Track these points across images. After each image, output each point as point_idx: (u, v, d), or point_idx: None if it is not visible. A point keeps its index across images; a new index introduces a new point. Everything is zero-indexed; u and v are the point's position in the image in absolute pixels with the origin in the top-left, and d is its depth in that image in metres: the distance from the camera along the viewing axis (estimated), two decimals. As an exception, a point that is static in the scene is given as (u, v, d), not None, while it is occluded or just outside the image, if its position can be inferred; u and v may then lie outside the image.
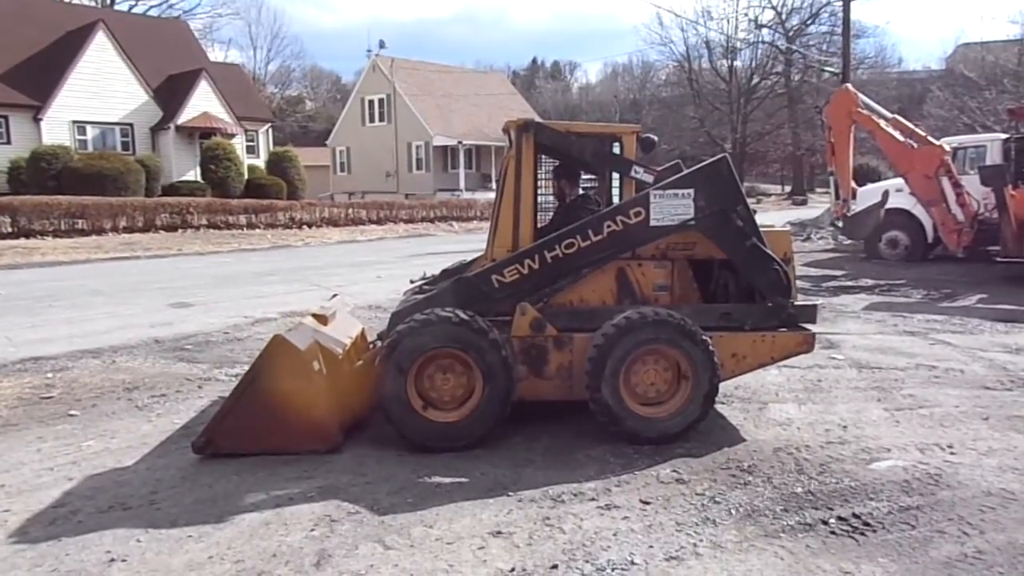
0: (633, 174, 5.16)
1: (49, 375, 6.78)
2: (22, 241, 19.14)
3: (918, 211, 14.05)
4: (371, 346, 5.74)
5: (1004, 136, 14.62)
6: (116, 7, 43.94)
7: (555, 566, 3.32)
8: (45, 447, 4.94)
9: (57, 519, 3.84)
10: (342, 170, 47.05)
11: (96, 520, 3.82)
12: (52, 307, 10.57)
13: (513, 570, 3.30)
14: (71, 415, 5.63)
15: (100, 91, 28.36)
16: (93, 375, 6.78)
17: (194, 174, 30.36)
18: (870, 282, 12.63)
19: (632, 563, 3.34)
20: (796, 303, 5.16)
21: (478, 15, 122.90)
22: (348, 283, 12.75)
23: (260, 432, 4.59)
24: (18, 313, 10.10)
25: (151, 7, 47.22)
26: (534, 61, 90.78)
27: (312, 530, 3.68)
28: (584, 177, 6.24)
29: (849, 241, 17.07)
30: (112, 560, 3.41)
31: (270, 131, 37.31)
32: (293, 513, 3.86)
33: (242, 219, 24.38)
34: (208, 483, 4.27)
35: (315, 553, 3.45)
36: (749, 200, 5.17)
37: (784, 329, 5.14)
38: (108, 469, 4.53)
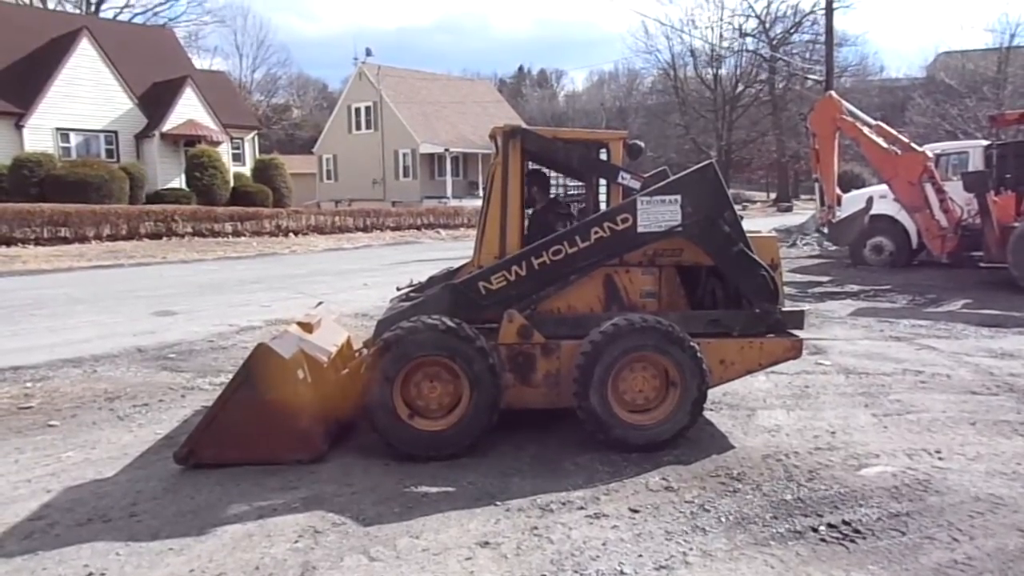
0: (620, 180, 5.14)
1: (28, 385, 6.67)
2: (3, 249, 18.88)
3: (902, 217, 14.15)
4: (357, 354, 5.68)
5: (986, 143, 14.77)
6: (101, 14, 43.66)
7: (543, 576, 3.28)
8: (23, 458, 4.84)
9: (34, 532, 3.76)
10: (329, 178, 46.94)
11: (74, 533, 3.74)
12: (33, 316, 10.42)
13: (501, 581, 3.25)
14: (51, 425, 5.53)
15: (84, 98, 28.07)
16: (74, 385, 6.67)
17: (179, 182, 30.11)
18: (856, 288, 12.69)
19: (622, 573, 3.30)
20: (783, 309, 5.16)
21: (460, 24, 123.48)
22: (334, 291, 12.66)
23: (244, 442, 4.53)
24: (-2, 322, 9.95)
25: (136, 14, 47.00)
26: (520, 69, 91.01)
27: (296, 542, 3.62)
28: (568, 184, 6.24)
29: (834, 247, 17.17)
30: (90, 574, 3.34)
31: (256, 139, 37.12)
32: (277, 524, 3.80)
33: (228, 227, 24.22)
34: (190, 494, 4.19)
35: (299, 565, 3.39)
36: (735, 206, 5.17)
37: (772, 335, 5.14)
38: (88, 480, 4.45)
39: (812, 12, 46.33)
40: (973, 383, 6.50)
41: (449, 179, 40.99)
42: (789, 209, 42.90)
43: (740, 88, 53.57)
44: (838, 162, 14.05)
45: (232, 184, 31.27)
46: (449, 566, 3.39)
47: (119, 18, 44.21)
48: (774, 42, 49.98)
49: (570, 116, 67.06)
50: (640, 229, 4.88)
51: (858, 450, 4.85)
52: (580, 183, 6.16)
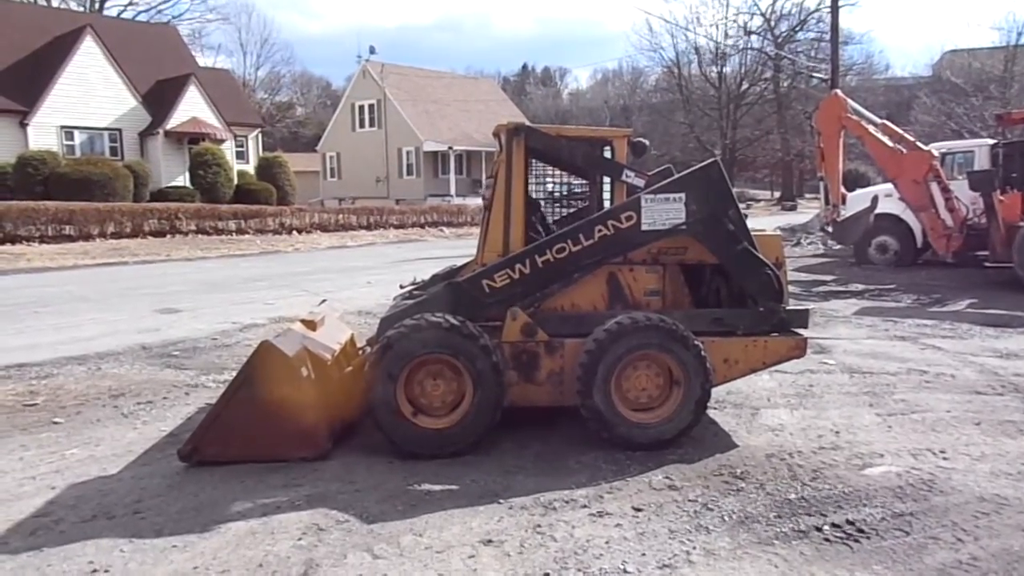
0: (624, 178, 5.13)
1: (33, 382, 6.69)
2: (8, 247, 18.91)
3: (907, 216, 14.11)
4: (360, 352, 5.69)
5: (992, 142, 14.72)
6: (104, 12, 43.71)
7: (547, 575, 3.28)
8: (28, 455, 4.85)
9: (39, 529, 3.77)
10: (332, 175, 46.98)
11: (79, 530, 3.75)
12: (37, 313, 10.45)
13: (504, 579, 3.25)
14: (55, 423, 5.54)
15: (88, 96, 28.15)
16: (78, 382, 6.68)
17: (183, 179, 30.18)
18: (860, 287, 12.67)
19: (625, 571, 3.30)
20: (787, 308, 5.15)
21: (461, 22, 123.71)
22: (338, 288, 12.67)
23: (247, 439, 4.53)
24: (2, 319, 9.97)
25: (139, 12, 47.06)
26: (524, 67, 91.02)
27: (299, 539, 3.62)
28: (570, 181, 6.23)
29: (839, 246, 17.13)
30: (95, 571, 3.34)
31: (260, 136, 37.16)
32: (280, 522, 3.80)
33: (231, 224, 24.25)
34: (194, 491, 4.20)
35: (302, 563, 3.39)
36: (739, 205, 5.15)
37: (776, 334, 5.12)
38: (92, 478, 4.45)
39: (817, 10, 46.32)
40: (978, 383, 6.48)
41: (453, 177, 40.99)
42: (793, 208, 42.82)
43: (745, 86, 53.48)
44: (843, 161, 14.01)
45: (236, 182, 31.29)
46: (452, 564, 3.39)
47: (123, 16, 44.34)
48: (779, 40, 49.90)
49: (574, 114, 67.03)
50: (644, 227, 4.87)
51: (862, 450, 4.84)
52: (584, 181, 6.15)
